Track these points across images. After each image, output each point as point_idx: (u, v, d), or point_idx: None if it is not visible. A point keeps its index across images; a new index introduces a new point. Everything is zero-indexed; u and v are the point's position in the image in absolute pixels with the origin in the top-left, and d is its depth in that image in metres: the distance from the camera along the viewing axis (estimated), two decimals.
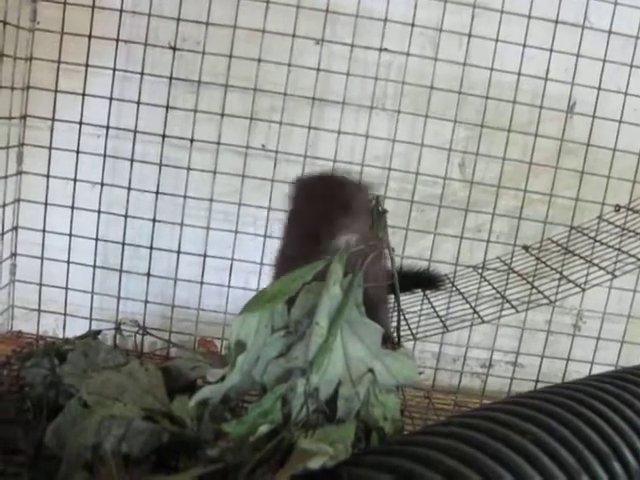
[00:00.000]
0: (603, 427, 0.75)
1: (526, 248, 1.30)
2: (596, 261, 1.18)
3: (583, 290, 1.10)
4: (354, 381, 0.82)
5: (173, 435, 0.83)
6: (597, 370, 1.12)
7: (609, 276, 1.12)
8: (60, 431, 0.82)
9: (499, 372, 1.47)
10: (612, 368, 0.98)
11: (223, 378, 0.80)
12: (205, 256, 1.30)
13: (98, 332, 1.11)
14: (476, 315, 1.11)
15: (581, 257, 1.18)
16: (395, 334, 0.97)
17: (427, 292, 1.24)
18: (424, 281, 1.23)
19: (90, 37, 1.23)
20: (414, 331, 1.13)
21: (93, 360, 1.02)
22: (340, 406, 0.81)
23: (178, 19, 1.23)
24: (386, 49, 1.25)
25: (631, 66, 1.29)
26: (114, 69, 1.25)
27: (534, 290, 1.18)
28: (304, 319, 0.83)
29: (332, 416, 0.82)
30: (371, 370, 0.83)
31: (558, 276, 1.18)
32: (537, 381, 1.33)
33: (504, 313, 1.11)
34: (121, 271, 1.30)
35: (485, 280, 1.22)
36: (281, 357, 0.83)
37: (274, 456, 0.74)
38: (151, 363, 0.97)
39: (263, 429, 0.75)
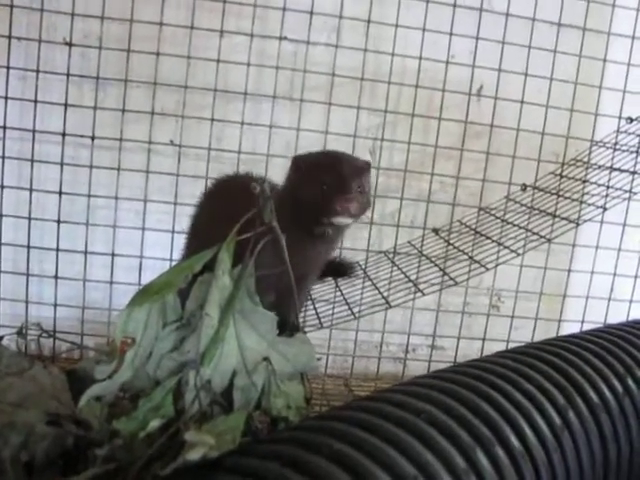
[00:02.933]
0: (500, 402, 0.76)
1: (436, 231, 1.31)
2: (504, 240, 1.20)
3: (487, 270, 1.11)
4: (250, 371, 0.82)
5: (78, 438, 0.81)
6: None
7: (514, 254, 1.13)
8: None
9: (421, 356, 1.48)
10: None
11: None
12: (113, 255, 1.27)
13: (1, 338, 1.07)
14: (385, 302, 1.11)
15: (488, 237, 1.20)
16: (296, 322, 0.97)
17: (339, 280, 1.24)
18: (336, 269, 1.23)
19: None
20: (324, 319, 1.12)
21: None
22: (236, 397, 0.81)
23: (72, 14, 1.20)
24: (286, 37, 1.24)
25: (529, 47, 1.30)
26: (8, 67, 1.21)
27: (446, 273, 1.19)
28: (197, 311, 0.82)
29: (230, 407, 0.81)
30: (266, 359, 0.82)
31: (468, 258, 1.19)
32: (455, 363, 1.34)
33: (412, 297, 1.11)
34: (28, 275, 1.27)
35: (395, 265, 1.22)
36: (174, 351, 0.81)
37: (168, 451, 0.73)
38: (55, 367, 0.95)
39: (154, 424, 0.73)
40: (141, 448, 0.74)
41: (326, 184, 0.89)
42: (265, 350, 0.83)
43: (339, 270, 1.23)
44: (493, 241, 1.18)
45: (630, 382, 0.84)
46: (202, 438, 0.64)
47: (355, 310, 1.11)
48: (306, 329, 1.05)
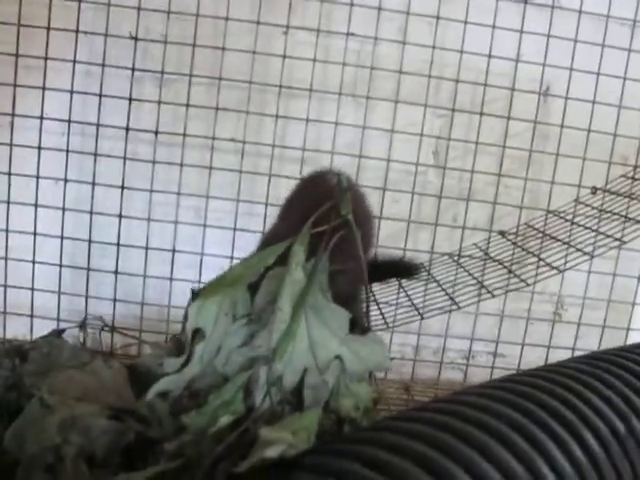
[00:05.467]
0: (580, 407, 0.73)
1: (502, 234, 1.27)
2: (573, 244, 1.16)
3: (559, 272, 1.07)
4: (321, 369, 0.79)
5: (139, 434, 0.79)
6: None
7: (586, 257, 1.09)
8: (20, 433, 0.79)
9: (481, 363, 1.44)
10: None
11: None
12: (174, 251, 1.26)
13: (62, 331, 1.07)
14: (452, 302, 1.08)
15: (558, 240, 1.16)
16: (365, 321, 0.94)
17: (402, 281, 1.21)
18: (400, 270, 1.20)
19: (49, 29, 1.19)
20: (388, 320, 1.09)
21: (56, 359, 0.98)
22: (307, 395, 0.78)
23: (139, 8, 1.20)
24: (353, 34, 1.22)
25: (603, 46, 1.26)
26: (74, 61, 1.21)
27: (512, 276, 1.15)
28: (268, 306, 0.80)
29: (299, 406, 0.78)
30: (338, 357, 0.80)
31: (536, 260, 1.15)
32: (518, 370, 1.30)
33: (481, 299, 1.08)
34: (88, 269, 1.26)
35: (461, 267, 1.19)
36: (244, 346, 0.79)
37: (237, 448, 0.71)
38: (116, 361, 0.94)
39: (223, 420, 0.71)
40: (210, 445, 0.72)
41: None
42: (337, 348, 0.80)
43: (403, 271, 1.20)
44: (563, 243, 1.14)
45: None
46: (279, 435, 0.62)
47: (421, 311, 1.08)
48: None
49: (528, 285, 1.08)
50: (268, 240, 0.85)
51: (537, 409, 0.71)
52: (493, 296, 1.08)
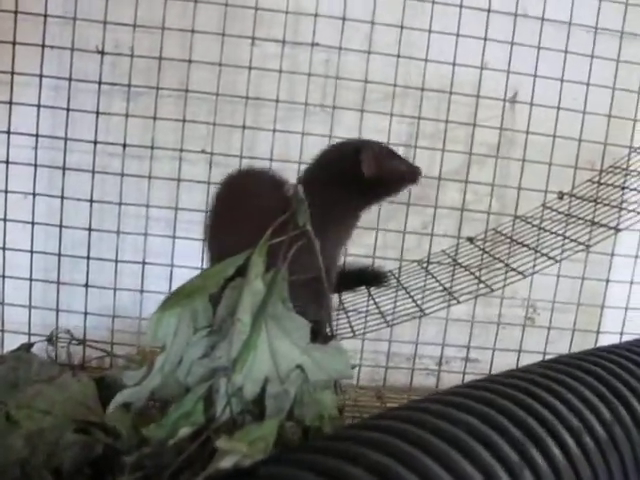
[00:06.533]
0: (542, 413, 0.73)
1: (470, 240, 1.28)
2: (540, 248, 1.17)
3: (524, 277, 1.08)
4: (282, 378, 0.80)
5: (107, 446, 0.80)
6: None
7: (552, 262, 1.11)
8: None
9: (455, 368, 1.45)
10: None
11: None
12: (144, 264, 1.27)
13: (31, 345, 1.07)
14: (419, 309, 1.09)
15: (524, 245, 1.17)
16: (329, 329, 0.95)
17: (372, 289, 1.22)
18: (368, 278, 1.20)
19: (14, 44, 1.20)
20: (358, 328, 1.10)
21: (25, 374, 0.98)
22: (269, 405, 0.78)
23: (105, 22, 1.20)
24: (318, 44, 1.23)
25: (566, 52, 1.28)
26: (40, 75, 1.22)
27: (482, 280, 1.16)
28: (228, 317, 0.81)
29: (261, 416, 0.79)
30: (300, 366, 0.80)
31: (503, 265, 1.17)
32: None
33: (446, 305, 1.09)
34: (58, 283, 1.26)
35: (429, 273, 1.20)
36: (205, 357, 0.80)
37: (198, 459, 0.72)
38: (85, 374, 0.94)
39: (183, 431, 0.72)
40: (170, 456, 0.73)
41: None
42: (298, 357, 0.81)
43: (371, 279, 1.21)
44: (530, 248, 1.15)
45: None
46: (234, 446, 0.62)
47: (388, 319, 1.08)
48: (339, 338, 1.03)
49: (493, 291, 1.09)
50: (224, 254, 0.85)
51: (496, 415, 0.71)
52: (458, 302, 1.09)
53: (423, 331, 1.36)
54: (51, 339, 1.09)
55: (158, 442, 0.72)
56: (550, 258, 1.10)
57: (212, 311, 0.82)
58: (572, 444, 0.71)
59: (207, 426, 0.75)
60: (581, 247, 1.13)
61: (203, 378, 0.79)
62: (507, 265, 1.12)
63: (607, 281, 1.37)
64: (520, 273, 1.09)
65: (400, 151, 1.23)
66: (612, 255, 1.35)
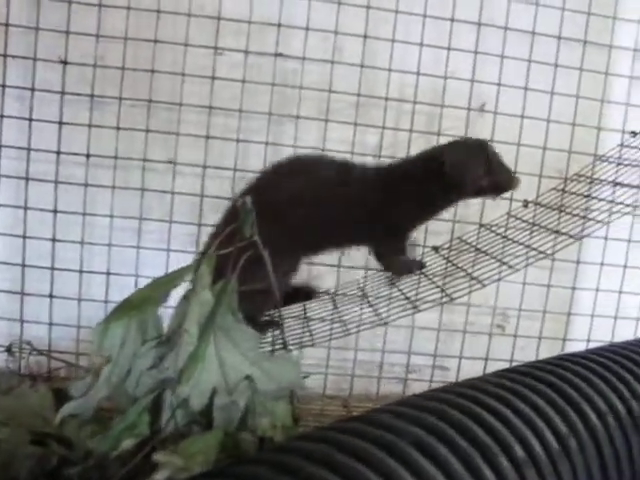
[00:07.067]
0: (491, 422, 0.73)
1: (436, 249, 1.28)
2: (503, 257, 1.17)
3: (483, 286, 1.08)
4: (230, 389, 0.79)
5: (62, 458, 0.80)
6: None
7: (513, 270, 1.11)
8: None
9: (426, 376, 1.45)
10: None
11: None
12: (109, 274, 1.26)
13: None
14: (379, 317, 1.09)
15: (487, 254, 1.17)
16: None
17: (337, 298, 1.21)
18: (300, 295, 1.19)
19: None
20: (320, 337, 1.09)
21: None
22: (217, 416, 0.78)
23: (67, 32, 1.20)
24: (281, 54, 1.24)
25: (529, 61, 1.28)
26: (3, 86, 1.22)
27: (443, 289, 1.16)
28: (178, 328, 0.80)
29: (209, 427, 0.78)
30: (248, 377, 0.80)
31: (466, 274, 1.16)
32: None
33: (406, 313, 1.09)
34: (22, 294, 1.26)
35: (392, 283, 1.19)
36: (154, 368, 0.79)
37: (143, 471, 0.71)
38: (43, 385, 0.94)
39: (126, 443, 0.72)
40: (115, 468, 0.72)
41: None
42: (247, 368, 0.81)
43: (302, 295, 1.20)
44: (492, 257, 1.15)
45: (634, 403, 0.81)
46: (170, 459, 0.62)
47: (349, 327, 1.08)
48: (293, 348, 1.03)
49: (453, 300, 1.08)
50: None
51: (442, 425, 0.71)
52: (419, 311, 1.09)
53: (393, 339, 1.36)
54: (10, 350, 1.09)
55: (102, 454, 0.72)
56: (511, 267, 1.10)
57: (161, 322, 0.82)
58: (521, 454, 0.71)
59: (152, 438, 0.74)
60: (542, 256, 1.12)
61: (151, 389, 0.78)
62: (469, 274, 1.12)
63: (573, 288, 1.38)
64: (480, 282, 1.09)
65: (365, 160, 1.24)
66: (578, 263, 1.35)
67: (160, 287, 0.79)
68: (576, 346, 1.36)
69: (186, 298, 0.82)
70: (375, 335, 1.35)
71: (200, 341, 0.78)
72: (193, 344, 0.77)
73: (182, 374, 0.76)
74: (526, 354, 1.37)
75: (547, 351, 1.36)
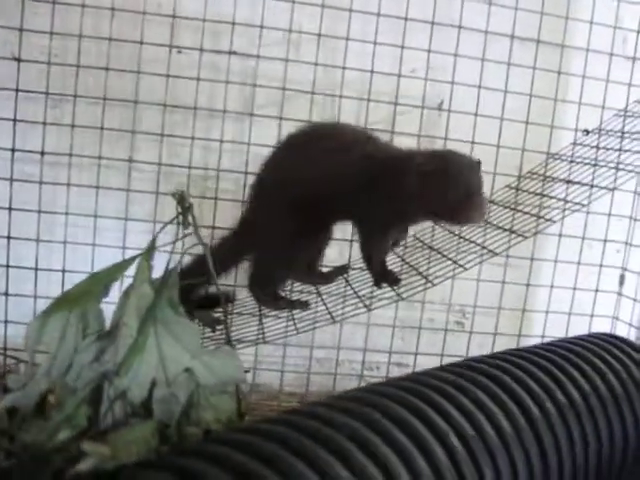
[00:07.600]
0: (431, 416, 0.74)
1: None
2: (456, 255, 1.18)
3: (433, 285, 1.10)
4: (170, 382, 0.80)
5: (9, 453, 0.79)
6: None
7: (462, 269, 1.12)
8: None
9: (383, 373, 1.46)
10: None
11: None
12: (64, 271, 1.26)
13: None
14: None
15: (439, 252, 1.18)
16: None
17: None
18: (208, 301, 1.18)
19: None
20: (271, 334, 1.10)
21: None
22: (156, 408, 0.79)
23: (21, 29, 1.20)
24: (235, 52, 1.24)
25: (483, 60, 1.30)
26: None
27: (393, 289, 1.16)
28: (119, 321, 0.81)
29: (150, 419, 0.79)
30: (188, 370, 0.81)
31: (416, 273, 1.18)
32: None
33: (358, 311, 1.10)
34: None
35: (347, 282, 1.21)
36: (95, 362, 0.80)
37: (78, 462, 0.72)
38: None
39: (63, 435, 0.72)
40: (52, 460, 0.73)
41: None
42: (188, 361, 0.82)
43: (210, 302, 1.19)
44: (443, 256, 1.16)
45: (575, 394, 0.82)
46: (96, 449, 0.62)
47: (299, 325, 1.09)
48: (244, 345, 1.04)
49: (403, 299, 1.10)
50: None
51: (380, 418, 0.72)
52: (369, 310, 1.10)
53: (353, 337, 1.37)
54: None
55: (38, 446, 0.72)
56: (461, 266, 1.11)
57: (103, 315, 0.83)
58: (459, 447, 0.72)
59: (89, 429, 0.75)
60: (492, 254, 1.14)
61: (91, 382, 0.79)
62: (419, 272, 1.13)
63: (528, 285, 1.39)
64: (430, 281, 1.10)
65: None
66: (532, 260, 1.37)
67: (99, 281, 0.80)
68: (532, 342, 1.37)
69: (127, 293, 0.82)
70: (333, 333, 1.36)
71: (139, 334, 0.78)
72: (132, 337, 0.78)
73: (121, 366, 0.77)
74: (483, 350, 1.36)
75: (504, 347, 1.35)
